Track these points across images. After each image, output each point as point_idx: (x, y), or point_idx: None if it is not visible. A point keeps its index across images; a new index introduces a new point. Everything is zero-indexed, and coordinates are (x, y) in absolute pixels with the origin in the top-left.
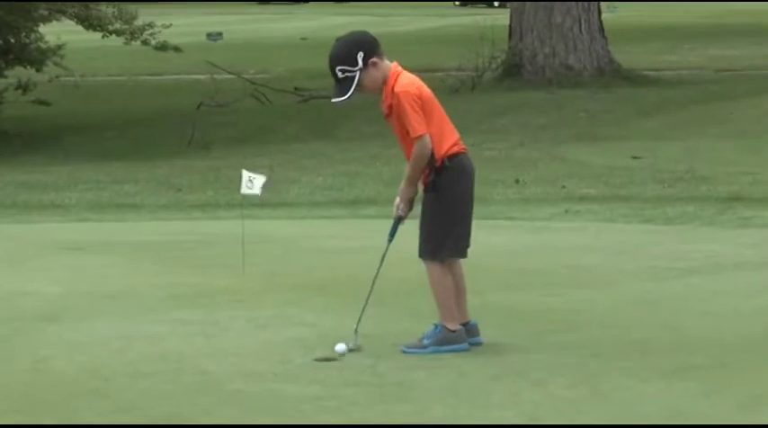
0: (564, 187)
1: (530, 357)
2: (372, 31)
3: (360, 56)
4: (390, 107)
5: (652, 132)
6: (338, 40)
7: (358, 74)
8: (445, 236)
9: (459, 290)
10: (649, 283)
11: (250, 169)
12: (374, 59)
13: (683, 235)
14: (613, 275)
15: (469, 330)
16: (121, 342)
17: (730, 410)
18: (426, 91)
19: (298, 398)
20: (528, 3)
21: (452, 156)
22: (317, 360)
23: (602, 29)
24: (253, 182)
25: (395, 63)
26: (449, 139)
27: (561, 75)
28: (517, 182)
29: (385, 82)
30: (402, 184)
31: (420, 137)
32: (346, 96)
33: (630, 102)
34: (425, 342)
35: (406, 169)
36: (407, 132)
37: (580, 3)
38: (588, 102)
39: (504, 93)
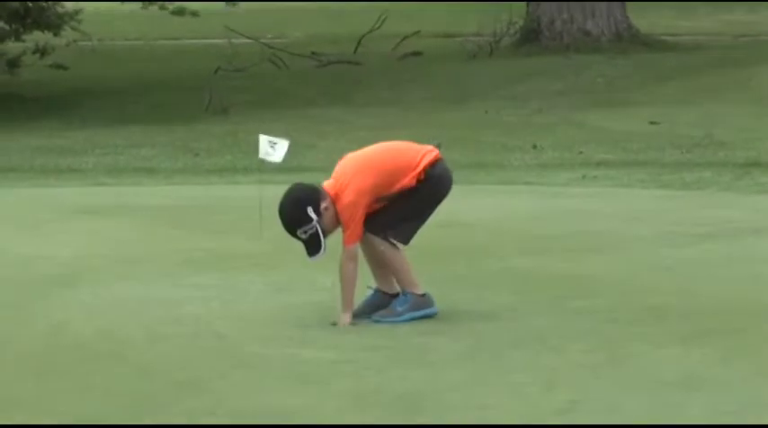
0: (581, 153)
1: (547, 322)
2: None
3: (309, 210)
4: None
5: (670, 98)
6: (282, 206)
7: (317, 226)
8: (409, 224)
9: (382, 263)
10: (666, 249)
11: (267, 133)
12: (323, 205)
13: (701, 200)
14: (630, 241)
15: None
16: (138, 305)
17: (748, 376)
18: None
19: (314, 362)
20: None
21: (432, 164)
22: (334, 324)
23: None
24: (274, 148)
25: (323, 185)
26: (409, 168)
27: (579, 40)
28: (534, 147)
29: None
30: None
31: (348, 247)
32: (322, 249)
33: (648, 67)
34: (399, 309)
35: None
36: None
37: None
38: (606, 68)
39: (521, 59)
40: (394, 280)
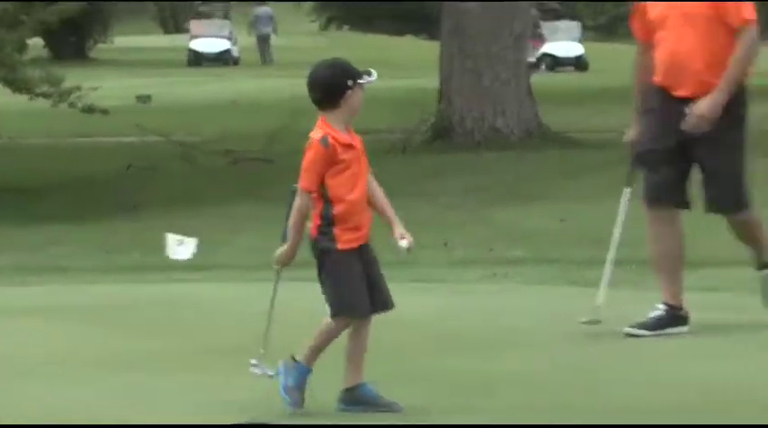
0: (492, 250)
1: (457, 421)
2: (305, 93)
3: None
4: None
5: (579, 194)
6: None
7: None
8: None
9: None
10: (575, 346)
11: (180, 231)
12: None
13: (610, 298)
14: (542, 338)
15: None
16: (43, 410)
17: None
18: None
19: None
20: (455, 67)
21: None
22: (250, 424)
23: (530, 92)
24: (181, 246)
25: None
26: None
27: (490, 137)
28: (445, 245)
29: None
30: None
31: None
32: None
33: (558, 164)
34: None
35: None
36: None
37: (510, 67)
38: (516, 165)
39: (433, 156)
40: None
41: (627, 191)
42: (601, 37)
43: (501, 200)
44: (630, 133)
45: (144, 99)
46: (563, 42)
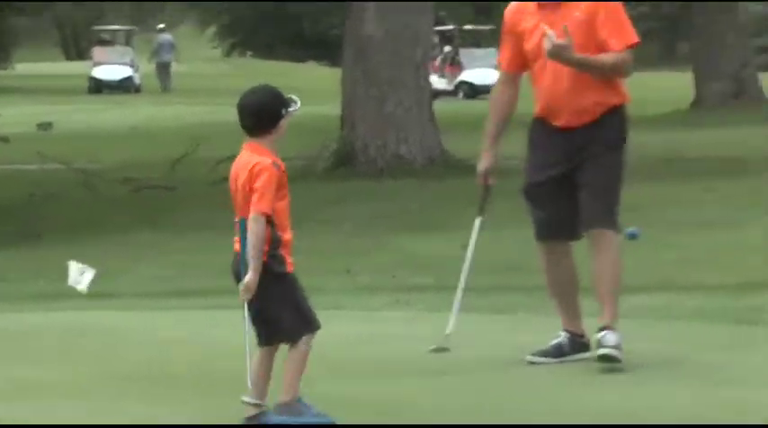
0: (394, 277)
1: None
2: (207, 121)
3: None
4: None
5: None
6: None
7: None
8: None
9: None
10: (479, 373)
11: (80, 259)
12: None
13: (514, 324)
14: (443, 365)
15: None
16: None
17: None
18: None
19: None
20: (358, 93)
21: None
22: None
23: (433, 119)
24: (82, 276)
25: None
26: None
27: (393, 164)
28: (348, 271)
29: None
30: None
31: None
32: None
33: (461, 192)
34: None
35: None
36: None
37: (412, 93)
38: (419, 192)
39: (336, 183)
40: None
41: (478, 221)
42: None
43: (404, 227)
44: (482, 163)
45: (45, 126)
46: (481, 69)
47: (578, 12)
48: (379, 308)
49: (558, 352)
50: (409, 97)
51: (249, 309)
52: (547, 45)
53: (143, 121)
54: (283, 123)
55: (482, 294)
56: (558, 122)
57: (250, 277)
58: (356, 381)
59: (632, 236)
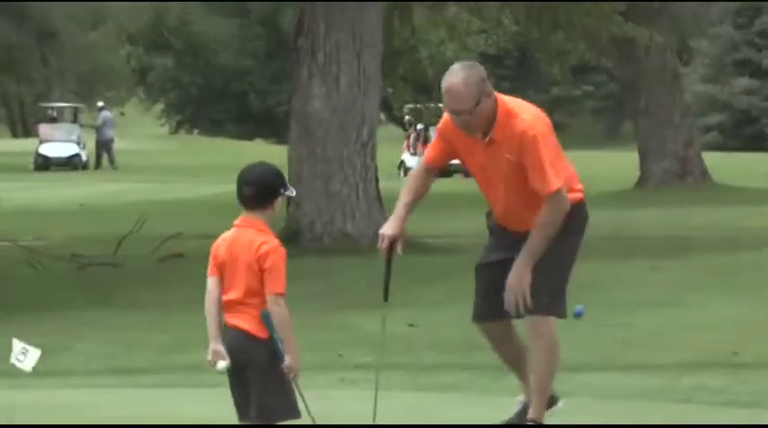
0: (341, 355)
1: None
2: (154, 198)
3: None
4: None
5: (429, 299)
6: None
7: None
8: None
9: None
10: None
11: (25, 337)
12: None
13: (460, 402)
14: None
15: None
16: None
17: None
18: None
19: None
20: (304, 171)
21: None
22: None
23: (379, 197)
24: (25, 355)
25: None
26: None
27: (339, 242)
28: None
29: None
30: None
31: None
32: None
33: (409, 269)
34: None
35: None
36: None
37: (357, 172)
38: (366, 270)
39: None
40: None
41: (383, 317)
42: None
43: (350, 305)
44: (388, 228)
45: None
46: None
47: (507, 153)
48: (324, 387)
49: (520, 419)
50: (355, 175)
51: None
52: (510, 301)
53: (90, 198)
54: (278, 203)
55: (431, 372)
56: (510, 229)
57: (292, 359)
58: None
59: (577, 315)
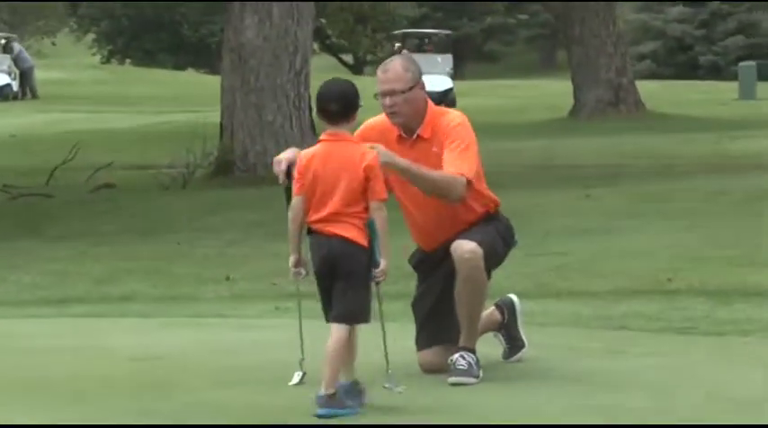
0: (275, 284)
1: None
2: (85, 128)
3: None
4: None
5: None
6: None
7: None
8: None
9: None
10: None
11: None
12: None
13: (399, 333)
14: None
15: None
16: None
17: None
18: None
19: None
20: (237, 101)
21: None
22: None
23: (313, 127)
24: None
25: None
26: None
27: (272, 172)
28: (228, 279)
29: None
30: None
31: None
32: None
33: None
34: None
35: None
36: None
37: (291, 101)
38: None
39: (215, 191)
40: None
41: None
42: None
43: (283, 234)
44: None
45: None
46: (431, 76)
47: (435, 148)
48: (258, 316)
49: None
50: (289, 104)
51: (329, 288)
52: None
53: (21, 129)
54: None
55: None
56: (436, 247)
57: (386, 264)
58: (235, 389)
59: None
